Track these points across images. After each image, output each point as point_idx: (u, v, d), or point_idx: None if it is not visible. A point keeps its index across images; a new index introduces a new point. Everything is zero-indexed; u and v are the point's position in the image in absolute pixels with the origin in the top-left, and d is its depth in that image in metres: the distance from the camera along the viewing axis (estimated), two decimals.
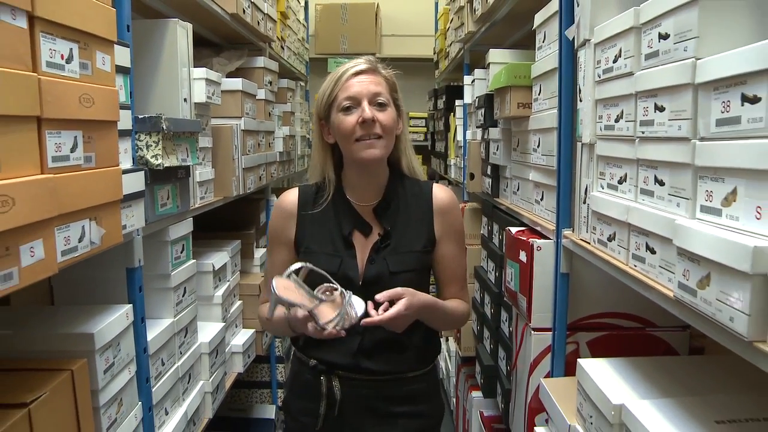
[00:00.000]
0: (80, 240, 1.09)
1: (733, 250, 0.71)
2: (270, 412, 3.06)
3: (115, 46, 1.23)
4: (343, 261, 1.47)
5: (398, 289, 1.35)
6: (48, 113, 0.96)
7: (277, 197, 3.32)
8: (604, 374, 1.19)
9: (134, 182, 1.37)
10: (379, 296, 1.33)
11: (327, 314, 1.31)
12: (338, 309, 1.31)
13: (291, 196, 1.57)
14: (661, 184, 0.96)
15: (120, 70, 1.32)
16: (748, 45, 0.74)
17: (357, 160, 1.45)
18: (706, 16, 0.83)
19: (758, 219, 0.71)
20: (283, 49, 3.63)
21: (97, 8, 1.13)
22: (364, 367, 1.48)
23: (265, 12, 2.86)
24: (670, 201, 0.94)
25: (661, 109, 0.94)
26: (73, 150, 1.05)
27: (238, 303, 2.53)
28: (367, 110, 1.40)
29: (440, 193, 1.55)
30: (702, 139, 0.84)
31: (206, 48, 2.67)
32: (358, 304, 1.35)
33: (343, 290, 1.35)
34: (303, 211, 1.53)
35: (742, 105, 0.73)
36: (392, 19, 5.55)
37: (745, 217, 0.74)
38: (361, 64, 1.46)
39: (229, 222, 2.74)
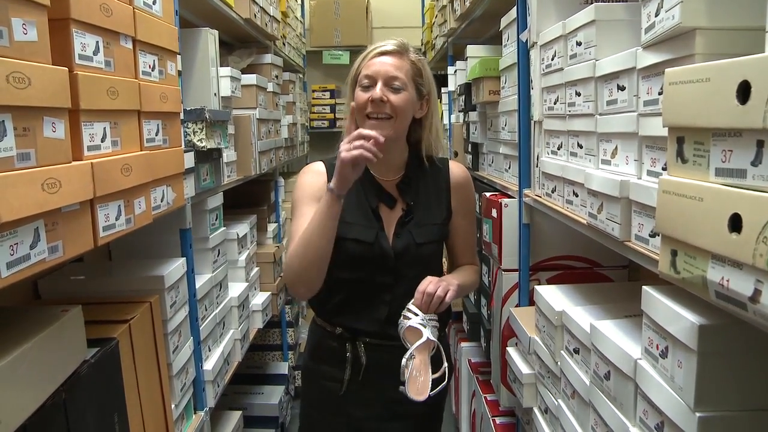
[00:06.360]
0: (162, 200, 1.48)
1: (610, 184, 1.11)
2: (283, 368, 3.48)
3: None
4: (378, 233, 1.53)
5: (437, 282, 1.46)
6: (144, 108, 1.35)
7: (285, 179, 3.71)
8: (553, 295, 1.59)
9: (188, 160, 1.75)
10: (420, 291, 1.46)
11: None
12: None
13: (319, 166, 1.63)
14: (581, 147, 1.36)
15: None
16: (624, 51, 1.13)
17: None
18: (601, 31, 1.23)
19: (627, 164, 1.11)
20: (284, 45, 3.97)
21: (168, 29, 1.52)
22: (389, 333, 1.54)
23: (271, 14, 3.23)
24: (585, 158, 1.34)
25: (578, 94, 1.33)
26: (156, 134, 1.44)
27: (256, 269, 2.92)
28: (378, 91, 1.45)
29: (456, 169, 1.66)
30: (600, 114, 1.23)
31: (220, 47, 3.04)
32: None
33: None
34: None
35: (618, 91, 1.13)
36: (382, 12, 5.89)
37: (622, 164, 1.14)
38: (387, 45, 1.50)
39: (245, 200, 3.12)
